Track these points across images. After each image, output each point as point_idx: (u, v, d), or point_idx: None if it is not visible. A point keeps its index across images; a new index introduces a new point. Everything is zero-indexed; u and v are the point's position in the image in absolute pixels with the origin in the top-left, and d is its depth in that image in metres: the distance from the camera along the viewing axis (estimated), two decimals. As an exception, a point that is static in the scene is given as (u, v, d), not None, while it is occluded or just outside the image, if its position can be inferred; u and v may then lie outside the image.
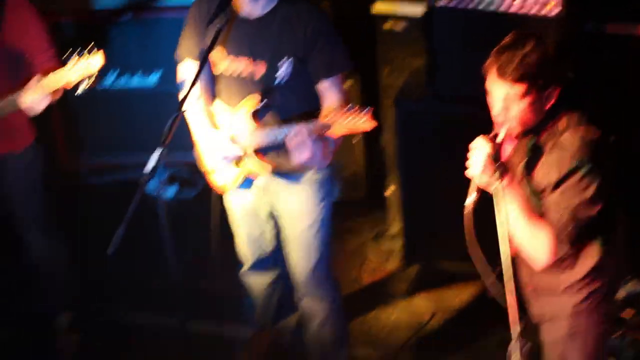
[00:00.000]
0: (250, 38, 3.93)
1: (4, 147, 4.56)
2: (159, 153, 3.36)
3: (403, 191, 5.19)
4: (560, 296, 3.60)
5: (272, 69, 3.91)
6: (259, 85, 3.95)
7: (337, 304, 4.63)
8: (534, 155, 3.40)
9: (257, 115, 3.97)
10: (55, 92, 4.17)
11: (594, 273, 3.54)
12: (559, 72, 3.34)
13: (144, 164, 3.35)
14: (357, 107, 3.69)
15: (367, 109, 3.67)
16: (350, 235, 5.83)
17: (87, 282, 5.22)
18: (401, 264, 5.45)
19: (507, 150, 3.54)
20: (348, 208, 5.74)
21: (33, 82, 4.14)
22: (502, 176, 3.28)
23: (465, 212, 3.38)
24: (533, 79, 3.27)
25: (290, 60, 3.89)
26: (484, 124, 4.33)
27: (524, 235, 3.36)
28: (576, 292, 3.56)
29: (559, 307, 3.63)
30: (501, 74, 3.28)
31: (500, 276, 3.33)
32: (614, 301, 3.79)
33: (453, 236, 4.78)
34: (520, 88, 3.27)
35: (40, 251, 4.85)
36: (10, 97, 4.22)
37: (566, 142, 3.31)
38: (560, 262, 3.44)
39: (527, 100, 3.30)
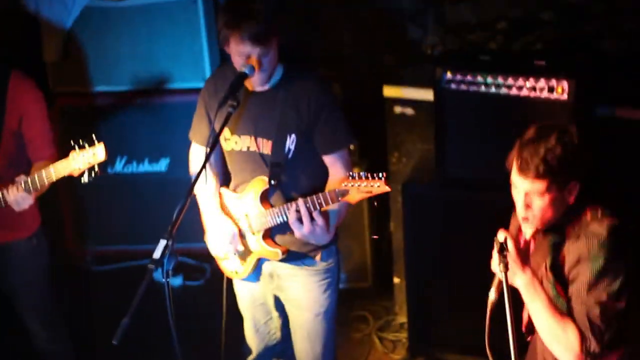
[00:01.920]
0: (254, 116, 3.89)
1: (9, 235, 4.34)
2: (165, 241, 3.24)
3: (409, 280, 5.07)
4: None
5: (279, 147, 3.88)
6: (266, 160, 3.92)
7: None
8: (557, 253, 3.28)
9: (266, 197, 3.97)
10: (40, 189, 4.03)
11: None
12: (581, 167, 3.20)
13: (152, 251, 3.22)
14: (371, 173, 3.71)
15: (381, 174, 3.69)
16: (357, 324, 5.62)
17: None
18: (407, 354, 5.27)
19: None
20: (354, 296, 5.64)
21: (19, 178, 4.03)
22: (506, 268, 3.11)
23: (488, 309, 3.20)
24: (555, 176, 3.14)
25: (294, 136, 3.87)
26: (493, 209, 4.11)
27: (550, 334, 3.21)
28: None
29: None
30: (522, 170, 3.14)
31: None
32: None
33: (460, 327, 4.94)
34: (541, 184, 3.15)
35: (43, 342, 4.61)
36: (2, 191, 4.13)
37: (592, 235, 3.18)
38: None
39: (548, 197, 3.18)
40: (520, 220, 3.24)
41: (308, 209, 3.75)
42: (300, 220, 3.76)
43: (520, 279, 3.15)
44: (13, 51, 4.43)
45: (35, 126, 4.18)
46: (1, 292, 4.46)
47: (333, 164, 3.92)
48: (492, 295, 3.16)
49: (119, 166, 5.49)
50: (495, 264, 3.19)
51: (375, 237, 5.44)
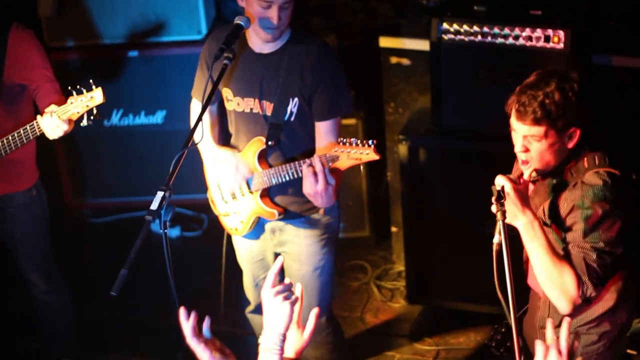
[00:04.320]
0: (258, 78, 3.91)
1: (8, 187, 4.38)
2: (163, 192, 3.23)
3: (407, 228, 5.08)
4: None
5: (280, 109, 3.91)
6: (267, 121, 3.94)
7: (337, 350, 4.52)
8: (556, 197, 3.30)
9: (264, 156, 3.99)
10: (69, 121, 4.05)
11: (607, 315, 3.41)
12: (581, 113, 3.20)
13: (149, 203, 3.20)
14: (362, 140, 3.74)
15: (371, 142, 3.73)
16: (355, 274, 5.68)
17: (88, 323, 5.05)
18: (405, 303, 5.36)
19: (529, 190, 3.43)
20: (352, 246, 5.71)
21: (50, 109, 4.01)
22: (504, 216, 3.12)
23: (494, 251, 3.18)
24: (553, 121, 3.15)
25: (296, 100, 3.89)
26: (490, 159, 4.26)
27: (547, 277, 3.24)
28: (585, 332, 3.42)
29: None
30: (520, 114, 3.16)
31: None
32: (625, 342, 3.63)
33: (457, 276, 5.02)
34: (539, 129, 3.14)
35: (42, 294, 4.67)
36: (26, 126, 4.08)
37: (588, 183, 3.20)
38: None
39: (547, 141, 3.16)
40: (519, 163, 3.25)
41: (324, 165, 3.73)
42: (315, 176, 3.75)
43: (520, 219, 3.17)
44: (8, 6, 4.42)
45: (37, 75, 4.19)
46: (1, 243, 4.48)
47: (326, 133, 3.92)
48: (496, 238, 3.14)
49: (115, 119, 5.49)
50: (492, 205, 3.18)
51: (350, 203, 5.48)
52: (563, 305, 3.21)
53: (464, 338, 5.06)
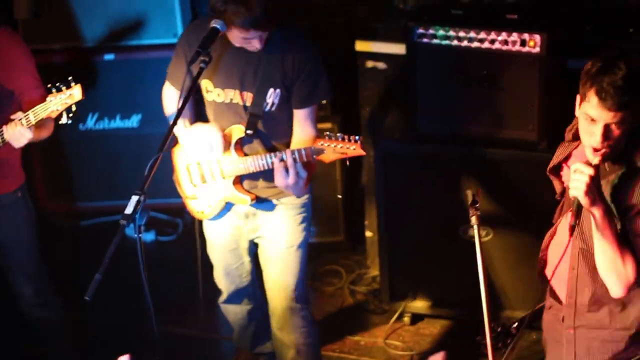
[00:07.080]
0: (239, 70, 3.95)
1: None
2: (138, 196, 3.22)
3: (382, 233, 5.09)
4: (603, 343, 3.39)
5: (260, 98, 3.95)
6: (247, 111, 3.98)
7: (312, 335, 4.55)
8: (619, 184, 3.16)
9: (240, 144, 4.04)
10: (38, 128, 4.05)
11: None
12: None
13: (125, 207, 3.19)
14: (348, 135, 3.81)
15: (357, 137, 3.79)
16: (329, 279, 5.68)
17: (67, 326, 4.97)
18: (379, 307, 5.35)
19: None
20: (327, 251, 5.71)
21: (16, 115, 4.01)
22: (478, 220, 3.14)
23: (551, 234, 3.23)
24: (635, 103, 3.03)
25: (278, 90, 3.94)
26: (466, 164, 4.36)
27: (610, 264, 3.15)
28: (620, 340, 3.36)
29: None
30: (604, 101, 3.02)
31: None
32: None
33: (431, 281, 5.04)
34: (622, 114, 3.03)
35: (33, 307, 4.59)
36: None
37: None
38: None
39: (626, 126, 3.07)
40: (590, 152, 3.10)
41: (296, 160, 3.82)
42: (286, 170, 3.83)
43: (599, 207, 3.05)
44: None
45: (23, 81, 4.20)
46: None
47: (305, 119, 3.99)
48: (569, 218, 3.10)
49: (90, 123, 5.45)
50: (574, 189, 3.07)
51: (339, 196, 5.49)
52: (618, 290, 3.20)
53: (438, 343, 5.06)
